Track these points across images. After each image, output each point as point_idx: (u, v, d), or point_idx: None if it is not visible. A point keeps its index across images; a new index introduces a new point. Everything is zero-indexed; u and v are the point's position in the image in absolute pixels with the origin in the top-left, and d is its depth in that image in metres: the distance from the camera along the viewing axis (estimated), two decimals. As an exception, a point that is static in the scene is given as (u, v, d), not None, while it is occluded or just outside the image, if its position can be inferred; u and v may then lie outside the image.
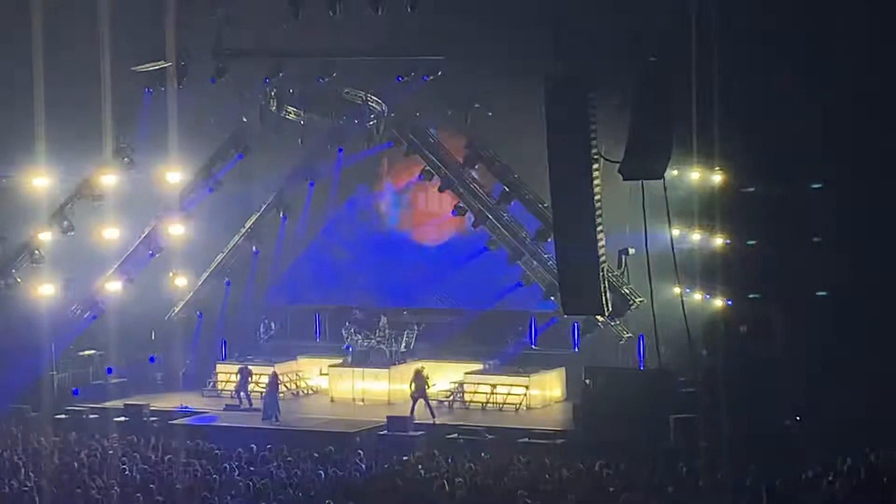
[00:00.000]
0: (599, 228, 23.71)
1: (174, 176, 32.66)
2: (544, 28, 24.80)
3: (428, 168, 34.18)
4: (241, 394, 32.06)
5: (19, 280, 31.08)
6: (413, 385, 30.10)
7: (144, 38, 29.37)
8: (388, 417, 29.08)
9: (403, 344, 33.56)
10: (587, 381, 28.51)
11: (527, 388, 31.41)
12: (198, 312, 35.71)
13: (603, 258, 24.06)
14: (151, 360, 34.69)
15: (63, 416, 30.42)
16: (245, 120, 33.36)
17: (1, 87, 29.12)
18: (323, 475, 21.51)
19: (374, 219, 36.79)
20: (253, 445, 25.21)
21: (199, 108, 32.10)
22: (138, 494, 19.95)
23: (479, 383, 31.76)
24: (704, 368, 26.91)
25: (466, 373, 32.36)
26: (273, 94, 32.33)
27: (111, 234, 32.06)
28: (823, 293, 25.99)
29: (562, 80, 23.37)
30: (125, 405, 30.82)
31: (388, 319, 33.92)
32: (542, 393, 31.89)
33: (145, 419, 29.90)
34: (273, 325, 36.22)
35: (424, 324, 34.48)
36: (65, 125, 29.53)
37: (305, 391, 34.23)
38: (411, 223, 36.36)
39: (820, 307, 25.95)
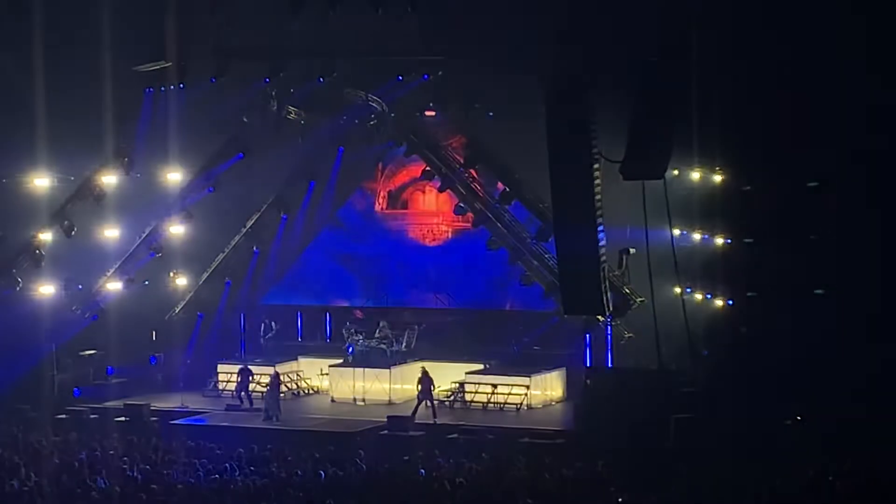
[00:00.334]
0: (600, 228, 23.70)
1: (174, 176, 32.67)
2: (545, 28, 24.81)
3: (428, 168, 34.18)
4: (242, 394, 32.06)
5: (19, 280, 31.07)
6: (419, 385, 30.09)
7: (145, 38, 29.39)
8: (388, 417, 29.09)
9: (404, 344, 33.55)
10: (587, 381, 28.52)
11: (527, 388, 31.39)
12: (198, 312, 35.69)
13: (603, 258, 24.05)
14: (152, 360, 34.68)
15: (63, 416, 30.41)
16: (245, 120, 33.34)
17: (1, 88, 29.12)
18: (323, 475, 21.50)
19: (374, 219, 36.77)
20: (253, 445, 25.21)
21: (200, 108, 32.13)
22: (141, 494, 19.95)
23: (479, 383, 31.75)
24: (704, 368, 26.92)
25: (467, 373, 32.35)
26: (273, 94, 32.33)
27: (111, 234, 32.08)
28: (820, 291, 26.01)
29: (562, 80, 23.37)
30: (126, 405, 30.82)
31: (388, 319, 33.92)
32: (542, 393, 31.88)
33: (146, 419, 29.90)
34: (274, 325, 36.21)
35: (425, 324, 34.46)
36: (65, 125, 29.55)
37: (306, 391, 34.22)
38: (412, 223, 36.34)
39: (819, 306, 25.97)
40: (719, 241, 28.43)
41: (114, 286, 33.10)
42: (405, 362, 32.95)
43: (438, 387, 30.93)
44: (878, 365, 24.84)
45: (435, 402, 30.12)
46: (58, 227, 31.20)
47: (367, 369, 32.68)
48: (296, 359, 35.02)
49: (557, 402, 32.14)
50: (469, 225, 34.26)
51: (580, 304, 25.68)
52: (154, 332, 35.17)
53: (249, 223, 35.84)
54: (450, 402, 31.68)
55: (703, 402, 25.53)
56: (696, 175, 28.87)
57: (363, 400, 32.27)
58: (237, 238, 35.83)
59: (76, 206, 31.40)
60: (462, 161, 33.58)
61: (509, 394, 31.22)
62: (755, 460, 21.69)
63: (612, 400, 27.09)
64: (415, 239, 36.15)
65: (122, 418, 29.85)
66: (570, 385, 32.30)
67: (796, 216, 26.11)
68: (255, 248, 36.10)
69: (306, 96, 32.75)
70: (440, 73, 31.32)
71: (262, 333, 36.08)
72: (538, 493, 20.09)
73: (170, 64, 30.38)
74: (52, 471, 22.74)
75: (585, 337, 32.21)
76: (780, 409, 25.70)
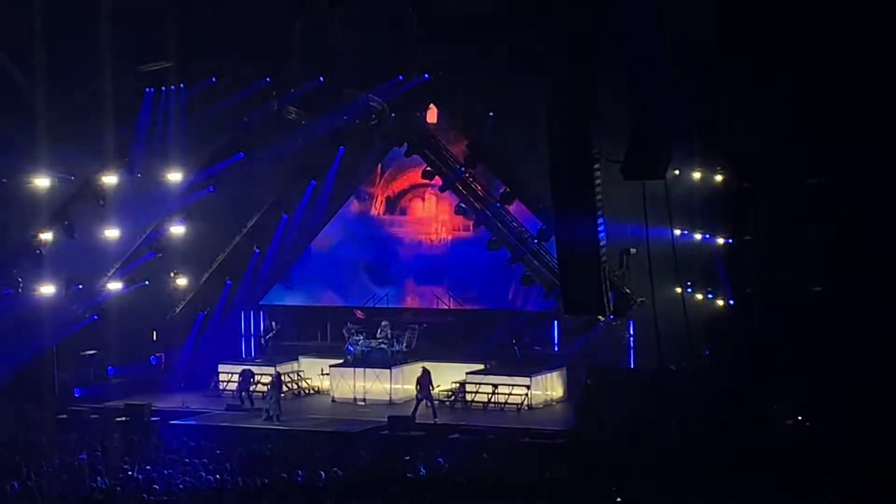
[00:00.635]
0: (600, 228, 23.69)
1: (174, 176, 32.68)
2: (545, 28, 24.79)
3: (429, 168, 34.19)
4: (243, 394, 32.07)
5: (20, 280, 31.07)
6: (418, 385, 30.09)
7: (146, 38, 29.40)
8: (389, 417, 29.10)
9: (405, 344, 33.55)
10: (587, 381, 28.51)
11: (528, 388, 31.39)
12: (198, 312, 35.68)
13: (604, 258, 24.03)
14: (152, 360, 34.67)
15: (64, 416, 30.42)
16: (245, 120, 33.33)
17: (2, 88, 29.13)
18: (324, 475, 21.49)
19: (374, 218, 36.76)
20: (254, 446, 25.21)
21: (200, 108, 32.13)
22: (142, 494, 19.96)
23: (480, 383, 31.75)
24: (704, 368, 26.93)
25: (468, 373, 32.34)
26: (274, 93, 32.33)
27: (111, 234, 32.08)
28: (818, 289, 26.03)
29: (563, 80, 23.36)
30: (126, 405, 30.83)
31: (389, 320, 33.92)
32: (543, 393, 31.88)
33: (146, 419, 29.90)
34: (274, 325, 36.21)
35: (425, 324, 34.47)
36: (65, 125, 29.57)
37: (307, 391, 34.22)
38: (412, 223, 36.32)
39: (819, 305, 25.98)
40: (720, 240, 28.44)
41: (114, 286, 33.10)
42: (406, 362, 32.95)
43: (438, 386, 30.93)
44: (879, 364, 24.84)
45: (435, 402, 30.12)
46: (58, 227, 31.20)
47: (367, 369, 32.68)
48: (296, 359, 35.04)
49: (558, 402, 32.14)
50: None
51: (581, 304, 25.62)
52: (154, 332, 35.18)
53: (249, 223, 35.83)
54: (450, 402, 31.69)
55: (703, 402, 25.50)
56: (696, 175, 28.86)
57: (364, 400, 32.27)
58: (237, 238, 35.83)
59: (76, 206, 31.40)
60: (462, 161, 33.59)
61: (510, 394, 31.22)
62: (756, 460, 21.66)
63: (612, 400, 27.08)
64: (416, 239, 36.13)
65: (123, 418, 29.86)
66: (570, 385, 32.31)
67: (797, 215, 26.11)
68: (255, 248, 36.09)
69: (306, 96, 32.72)
70: (441, 72, 31.28)
71: (262, 333, 36.07)
72: (538, 493, 20.10)
73: (170, 64, 30.40)
74: (53, 471, 22.77)
75: (586, 337, 32.21)
76: (781, 408, 25.71)
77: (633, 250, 29.05)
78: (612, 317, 29.64)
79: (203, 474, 21.69)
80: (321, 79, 32.03)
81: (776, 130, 25.59)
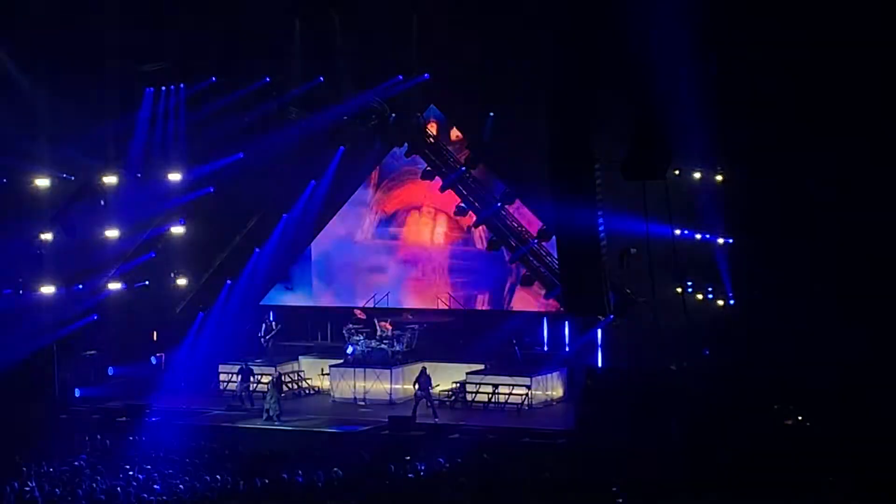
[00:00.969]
0: (601, 228, 23.72)
1: (174, 176, 32.68)
2: (546, 29, 24.82)
3: (429, 168, 34.19)
4: (243, 394, 32.06)
5: (20, 280, 31.06)
6: (417, 384, 30.09)
7: (146, 38, 29.41)
8: (389, 417, 29.09)
9: (405, 344, 33.53)
10: (587, 381, 28.50)
11: (528, 388, 31.38)
12: (198, 312, 35.68)
13: (604, 258, 24.07)
14: (153, 360, 34.66)
15: (65, 416, 30.41)
16: (245, 120, 33.33)
17: (2, 87, 29.14)
18: (324, 475, 21.51)
19: (374, 218, 36.74)
20: (254, 446, 25.21)
21: (200, 108, 32.14)
22: (143, 494, 19.97)
23: (480, 383, 31.73)
24: (705, 368, 26.93)
25: (468, 373, 32.32)
26: (274, 93, 32.34)
27: (111, 234, 32.08)
28: (818, 289, 26.05)
29: (563, 80, 23.40)
30: (126, 405, 30.83)
31: (388, 319, 33.90)
32: (543, 393, 31.87)
33: (147, 419, 29.90)
34: (274, 325, 36.20)
35: (425, 324, 34.46)
36: (66, 125, 29.57)
37: (307, 391, 34.22)
38: (412, 223, 36.30)
39: (820, 305, 25.99)
40: (720, 240, 28.44)
41: (114, 286, 33.09)
42: (406, 362, 32.94)
43: (437, 385, 30.90)
44: (879, 364, 24.85)
45: (435, 402, 30.12)
46: (58, 226, 31.19)
47: (367, 369, 32.68)
48: (297, 359, 35.04)
49: (558, 402, 32.11)
50: (470, 224, 34.32)
51: (581, 304, 25.71)
52: (154, 332, 35.16)
53: (249, 223, 35.81)
54: (450, 402, 31.68)
55: (704, 402, 25.50)
56: (696, 175, 28.86)
57: (364, 400, 32.26)
58: (237, 238, 35.82)
59: (76, 205, 31.39)
60: (463, 161, 33.60)
61: (510, 394, 31.20)
62: (756, 459, 21.68)
63: (612, 400, 27.07)
64: (416, 239, 36.11)
65: (123, 418, 29.85)
66: (570, 385, 32.29)
67: (797, 215, 26.13)
68: (255, 248, 36.09)
69: (307, 96, 32.73)
70: (441, 72, 31.29)
71: (262, 333, 36.07)
72: (538, 493, 20.11)
73: (164, 65, 30.44)
74: (54, 471, 22.79)
75: (586, 337, 32.21)
76: (781, 409, 25.71)
77: (633, 250, 29.00)
78: (612, 317, 29.65)
79: (203, 474, 21.71)
80: (321, 79, 32.03)
81: (776, 130, 25.59)
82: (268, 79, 31.78)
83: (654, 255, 22.20)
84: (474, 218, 33.96)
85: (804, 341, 25.84)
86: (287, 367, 33.94)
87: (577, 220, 23.41)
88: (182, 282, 34.62)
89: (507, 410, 31.01)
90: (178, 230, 33.48)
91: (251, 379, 32.37)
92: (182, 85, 31.89)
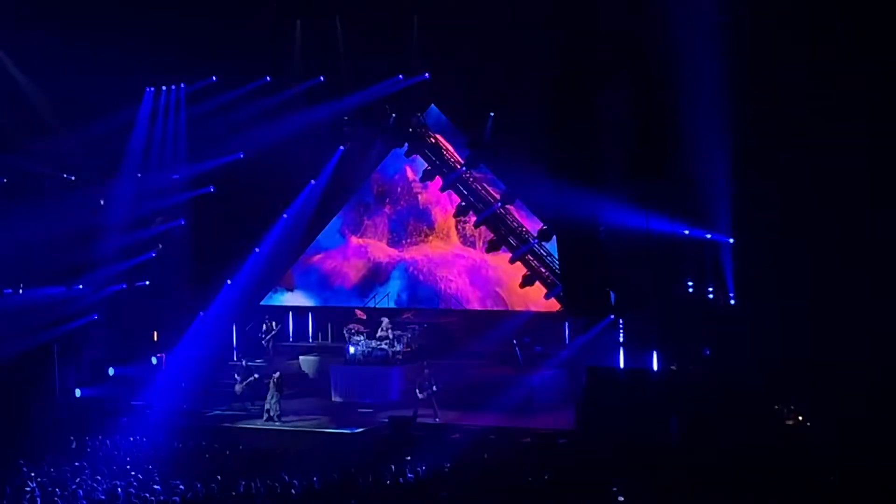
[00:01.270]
0: (602, 228, 23.76)
1: (174, 175, 32.70)
2: (547, 28, 24.85)
3: (429, 168, 34.21)
4: (244, 394, 32.08)
5: (20, 280, 31.09)
6: (417, 385, 30.10)
7: (146, 37, 29.45)
8: (389, 417, 29.10)
9: (405, 344, 33.55)
10: (588, 381, 28.48)
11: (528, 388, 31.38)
12: (198, 312, 35.69)
13: (605, 258, 24.11)
14: (153, 360, 34.67)
15: (65, 416, 30.41)
16: (247, 119, 33.35)
17: (2, 87, 29.17)
18: (324, 476, 21.51)
19: (374, 218, 36.77)
20: (254, 446, 25.21)
21: (200, 108, 32.16)
22: (145, 494, 19.98)
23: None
24: (705, 368, 26.92)
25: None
26: (274, 93, 32.37)
27: (111, 234, 32.09)
28: (819, 288, 26.04)
29: (564, 80, 23.44)
30: (128, 405, 30.82)
31: (389, 319, 33.93)
32: (543, 393, 31.84)
33: (147, 419, 29.91)
34: (274, 325, 36.22)
35: (426, 324, 34.47)
36: (66, 125, 29.60)
37: (307, 391, 34.20)
38: (413, 223, 36.34)
39: (820, 305, 25.99)
40: (722, 239, 28.41)
41: (114, 286, 33.11)
42: (406, 362, 32.95)
43: (436, 385, 30.94)
44: (879, 364, 24.85)
45: (435, 402, 30.13)
46: (58, 226, 31.18)
47: (368, 369, 32.69)
48: (296, 359, 35.05)
49: (558, 402, 32.08)
50: (471, 225, 34.35)
51: (582, 304, 25.74)
52: (154, 332, 35.17)
53: (249, 223, 35.82)
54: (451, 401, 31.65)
55: (704, 402, 25.50)
56: (699, 174, 28.82)
57: (364, 400, 32.26)
58: (237, 238, 35.82)
59: (76, 205, 31.40)
60: (463, 161, 33.62)
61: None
62: (757, 459, 21.68)
63: (612, 400, 27.08)
64: (416, 238, 36.14)
65: (125, 419, 29.85)
66: (570, 385, 32.27)
67: (799, 215, 26.13)
68: (254, 248, 36.10)
69: (308, 96, 32.74)
70: (441, 72, 31.31)
71: (262, 333, 36.07)
72: (538, 493, 20.12)
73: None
74: (55, 471, 22.80)
75: (586, 337, 32.20)
76: (781, 408, 25.72)
77: (633, 250, 29.01)
78: (612, 316, 29.66)
79: (203, 474, 21.72)
80: (321, 78, 32.05)
81: (777, 129, 25.60)
82: (268, 78, 31.79)
83: (654, 255, 22.20)
84: (474, 218, 33.99)
85: (805, 341, 25.83)
86: (287, 368, 33.91)
87: (578, 219, 23.45)
88: (183, 282, 34.63)
89: (507, 410, 31.02)
90: (177, 230, 33.48)
91: (250, 378, 32.38)
92: (182, 84, 31.90)
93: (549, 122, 27.28)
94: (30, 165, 30.12)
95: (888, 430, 22.92)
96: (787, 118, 25.25)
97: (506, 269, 34.28)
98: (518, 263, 33.44)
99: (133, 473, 21.96)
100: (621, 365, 30.87)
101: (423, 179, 34.90)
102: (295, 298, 37.32)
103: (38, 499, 20.28)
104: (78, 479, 21.55)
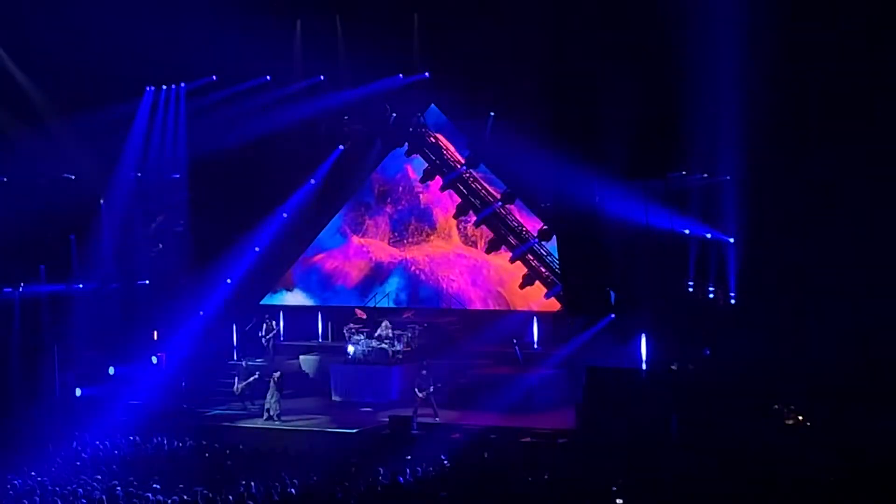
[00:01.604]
0: (602, 228, 23.76)
1: (174, 176, 32.71)
2: (547, 28, 24.86)
3: (429, 168, 34.21)
4: (244, 393, 32.07)
5: (20, 280, 31.10)
6: (417, 384, 30.10)
7: (146, 37, 29.46)
8: (389, 417, 29.09)
9: (405, 344, 33.54)
10: (588, 381, 28.49)
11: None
12: (199, 312, 35.69)
13: (605, 258, 24.11)
14: (154, 360, 34.67)
15: (65, 416, 30.41)
16: (246, 119, 33.35)
17: (3, 87, 29.19)
18: (324, 475, 21.51)
19: (376, 218, 36.77)
20: (255, 445, 25.21)
21: (200, 107, 32.18)
22: (146, 494, 19.99)
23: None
24: (705, 368, 26.92)
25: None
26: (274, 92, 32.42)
27: (111, 234, 32.11)
28: (819, 288, 26.05)
29: (564, 81, 23.45)
30: (129, 405, 30.82)
31: (389, 319, 33.92)
32: (543, 392, 31.84)
33: (148, 419, 29.89)
34: (275, 324, 36.22)
35: (426, 324, 34.47)
36: (66, 125, 29.62)
37: (306, 391, 34.20)
38: (414, 222, 36.33)
39: (821, 305, 25.99)
40: (722, 239, 28.42)
41: (115, 286, 33.11)
42: (406, 362, 32.95)
43: (435, 385, 30.94)
44: (879, 364, 24.87)
45: (435, 402, 30.13)
46: (58, 226, 31.21)
47: (368, 368, 32.69)
48: (296, 359, 35.04)
49: (558, 402, 32.08)
50: (471, 224, 34.35)
51: (582, 304, 25.72)
52: (155, 332, 35.17)
53: (249, 223, 35.81)
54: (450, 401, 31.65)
55: (704, 402, 25.51)
56: (700, 174, 28.84)
57: (364, 400, 32.26)
58: (237, 238, 35.82)
59: (76, 205, 31.42)
60: (463, 161, 33.62)
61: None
62: (757, 459, 21.68)
63: (612, 400, 27.07)
64: (416, 238, 36.13)
65: (126, 419, 29.86)
66: (570, 385, 32.25)
67: (800, 215, 26.14)
68: (255, 248, 36.10)
69: (308, 95, 32.75)
70: (441, 72, 31.33)
71: (262, 333, 36.09)
72: (538, 493, 20.11)
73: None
74: (55, 470, 22.81)
75: (586, 337, 32.20)
76: (781, 408, 25.72)
77: (634, 251, 29.02)
78: (612, 316, 29.66)
79: (203, 474, 21.72)
80: (321, 78, 32.05)
81: (777, 129, 25.61)
82: (268, 78, 31.79)
83: (654, 254, 22.21)
84: (474, 218, 34.00)
85: (805, 341, 25.84)
86: (287, 367, 33.87)
87: (578, 219, 23.45)
88: (183, 281, 34.63)
89: (507, 410, 31.01)
90: (178, 230, 33.48)
91: (250, 378, 32.37)
92: (182, 84, 31.91)
93: (550, 121, 27.29)
94: (29, 164, 30.10)
95: (888, 429, 22.93)
96: (789, 118, 25.25)
97: (507, 269, 34.29)
98: (519, 263, 33.46)
99: (131, 478, 21.95)
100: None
101: (423, 179, 34.92)
102: (295, 298, 37.32)
103: (39, 498, 20.29)
104: (78, 479, 21.55)
